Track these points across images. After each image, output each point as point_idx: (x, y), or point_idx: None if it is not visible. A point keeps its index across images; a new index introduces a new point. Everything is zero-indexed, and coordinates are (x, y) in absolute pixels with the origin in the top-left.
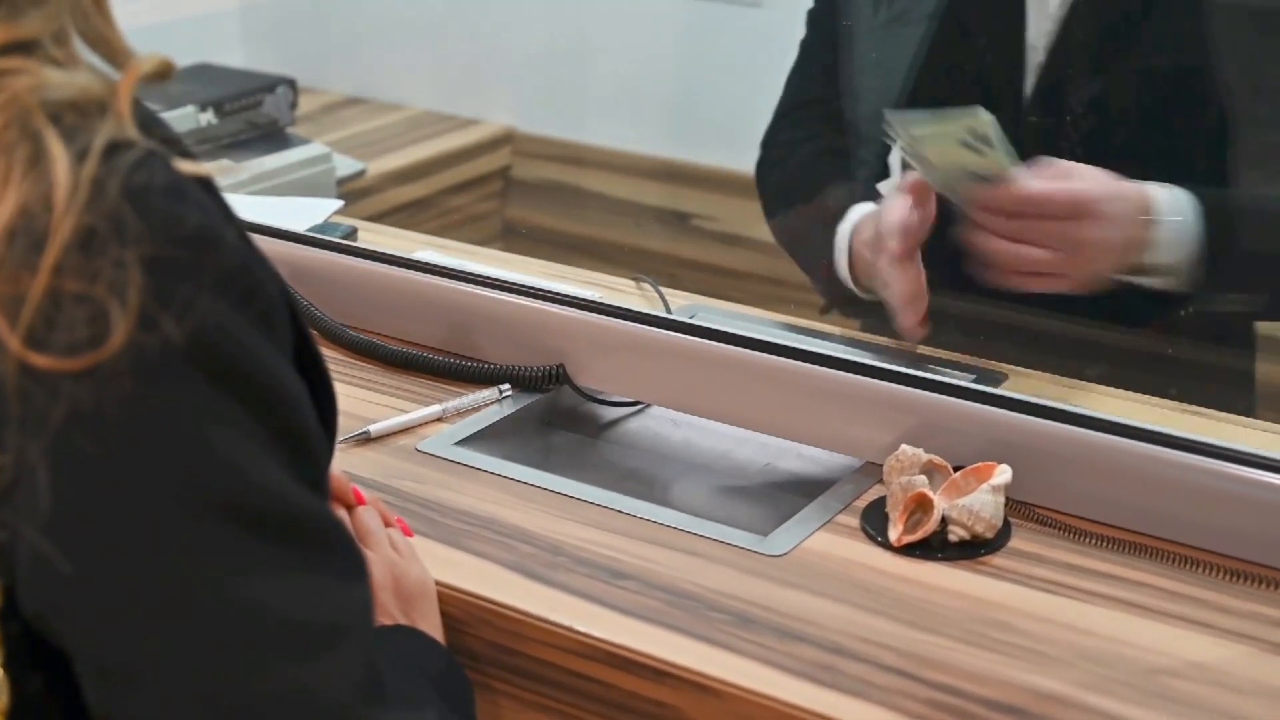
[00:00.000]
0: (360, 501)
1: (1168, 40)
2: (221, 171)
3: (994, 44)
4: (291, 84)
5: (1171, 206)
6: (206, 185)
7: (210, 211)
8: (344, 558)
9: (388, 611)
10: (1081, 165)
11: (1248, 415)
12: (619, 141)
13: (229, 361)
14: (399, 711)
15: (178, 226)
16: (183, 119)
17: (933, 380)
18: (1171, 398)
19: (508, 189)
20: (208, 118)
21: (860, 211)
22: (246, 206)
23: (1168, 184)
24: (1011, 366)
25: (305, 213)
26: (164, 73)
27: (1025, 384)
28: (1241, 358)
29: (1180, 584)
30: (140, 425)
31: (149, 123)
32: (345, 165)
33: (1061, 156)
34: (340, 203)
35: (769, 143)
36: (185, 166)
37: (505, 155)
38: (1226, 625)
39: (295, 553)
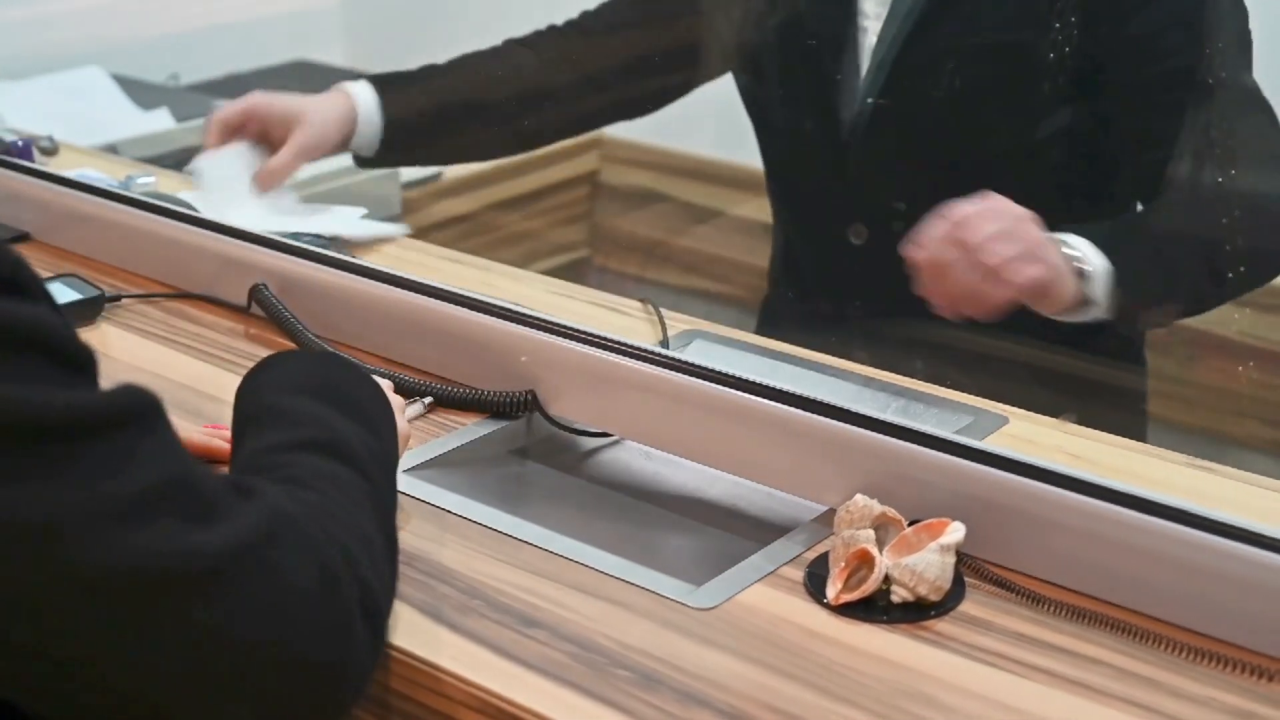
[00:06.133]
0: None
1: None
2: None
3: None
4: None
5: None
6: None
7: None
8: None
9: None
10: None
11: (1140, 439)
12: (709, 149)
13: None
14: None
15: None
16: None
17: (897, 426)
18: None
19: (595, 194)
20: None
21: None
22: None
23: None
24: (1013, 409)
25: (319, 218)
26: None
27: (1027, 428)
28: (1136, 376)
29: (1135, 661)
30: None
31: None
32: (418, 169)
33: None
34: (362, 210)
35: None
36: None
37: (594, 160)
38: (1175, 711)
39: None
